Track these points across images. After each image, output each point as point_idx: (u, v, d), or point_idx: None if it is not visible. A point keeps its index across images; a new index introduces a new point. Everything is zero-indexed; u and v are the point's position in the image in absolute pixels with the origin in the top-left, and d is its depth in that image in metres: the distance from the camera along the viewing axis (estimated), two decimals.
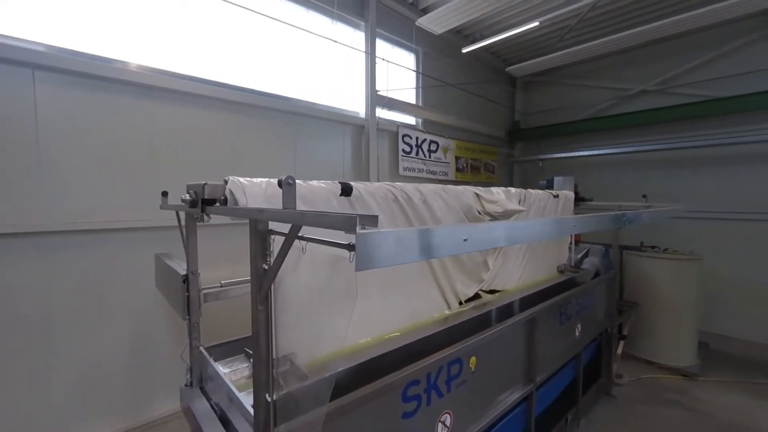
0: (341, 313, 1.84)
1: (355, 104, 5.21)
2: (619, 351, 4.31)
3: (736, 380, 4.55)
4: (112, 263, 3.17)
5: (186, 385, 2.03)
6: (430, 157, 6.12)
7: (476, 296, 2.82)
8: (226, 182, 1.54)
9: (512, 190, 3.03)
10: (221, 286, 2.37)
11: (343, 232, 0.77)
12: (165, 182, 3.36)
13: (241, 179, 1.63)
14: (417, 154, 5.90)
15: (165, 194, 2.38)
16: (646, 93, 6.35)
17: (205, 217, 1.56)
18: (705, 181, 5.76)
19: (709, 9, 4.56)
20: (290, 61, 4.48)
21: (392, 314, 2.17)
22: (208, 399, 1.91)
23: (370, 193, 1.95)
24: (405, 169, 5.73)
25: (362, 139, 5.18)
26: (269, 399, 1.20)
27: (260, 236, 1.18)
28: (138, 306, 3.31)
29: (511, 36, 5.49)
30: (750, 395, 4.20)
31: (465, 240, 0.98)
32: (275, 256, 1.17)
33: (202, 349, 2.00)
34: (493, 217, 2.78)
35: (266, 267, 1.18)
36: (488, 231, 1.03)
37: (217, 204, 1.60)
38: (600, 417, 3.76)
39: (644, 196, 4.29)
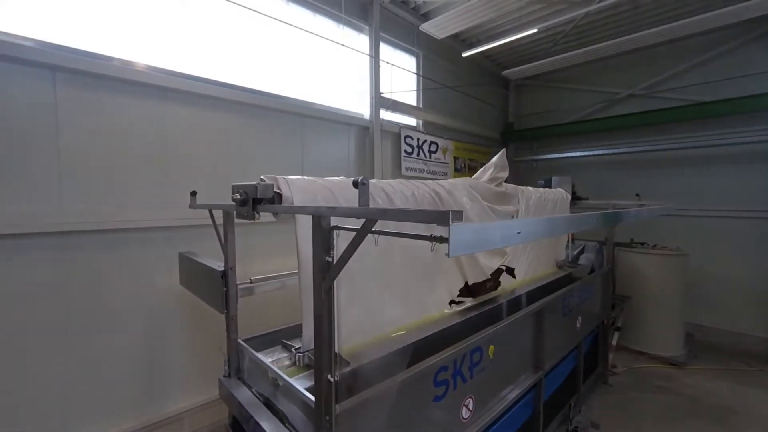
0: (381, 301, 1.97)
1: (360, 106, 5.32)
2: (614, 342, 4.57)
3: (719, 368, 4.87)
4: (126, 262, 3.21)
5: (225, 376, 2.12)
6: (430, 157, 6.28)
7: (497, 272, 3.05)
8: (275, 182, 1.65)
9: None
10: (251, 282, 2.48)
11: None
12: (178, 183, 3.43)
13: (288, 177, 1.75)
14: (418, 154, 6.05)
15: (194, 194, 2.45)
16: (635, 97, 6.66)
17: (256, 215, 1.66)
18: (690, 180, 6.09)
19: (691, 20, 4.86)
20: (298, 63, 4.56)
21: (420, 296, 2.35)
22: (248, 388, 2.01)
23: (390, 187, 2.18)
24: (407, 169, 5.88)
25: (366, 140, 5.30)
26: (331, 379, 1.32)
27: (323, 232, 1.30)
28: (152, 304, 3.35)
29: (508, 41, 5.69)
30: (732, 381, 4.51)
31: (518, 233, 1.12)
32: (339, 249, 1.29)
33: (240, 341, 2.09)
34: (496, 180, 3.12)
35: (329, 259, 1.30)
36: (535, 225, 1.18)
37: (264, 203, 1.71)
38: (598, 403, 4.00)
39: (637, 195, 4.53)
